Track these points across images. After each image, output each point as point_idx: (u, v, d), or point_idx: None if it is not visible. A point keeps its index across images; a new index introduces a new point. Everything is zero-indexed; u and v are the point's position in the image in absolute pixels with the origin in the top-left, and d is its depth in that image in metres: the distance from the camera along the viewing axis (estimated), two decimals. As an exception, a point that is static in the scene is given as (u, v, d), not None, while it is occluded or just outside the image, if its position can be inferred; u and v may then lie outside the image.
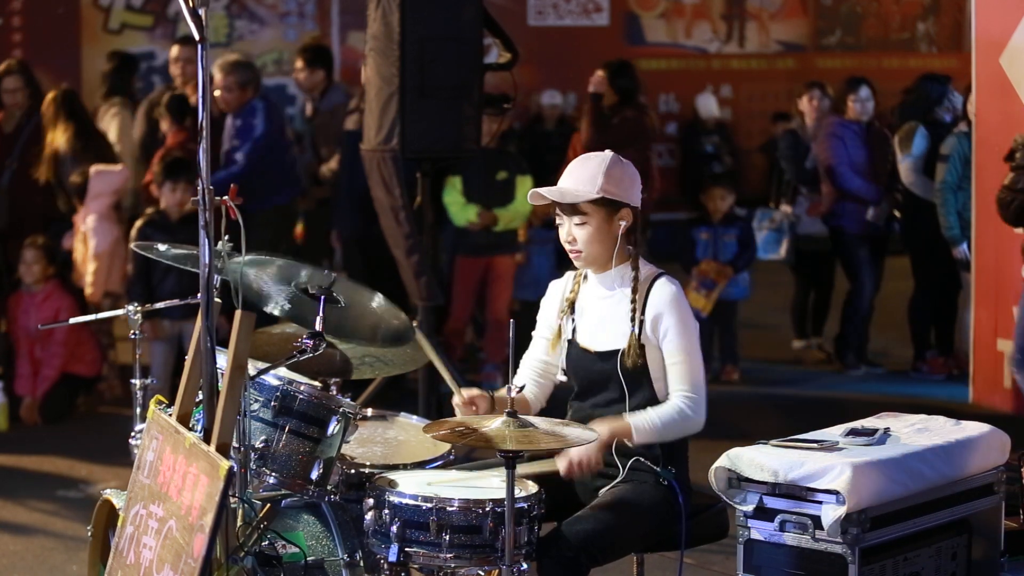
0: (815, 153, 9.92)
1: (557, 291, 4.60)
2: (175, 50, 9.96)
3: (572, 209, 4.39)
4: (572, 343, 4.50)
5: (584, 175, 4.38)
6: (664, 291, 4.37)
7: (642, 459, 4.36)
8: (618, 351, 4.38)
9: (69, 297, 8.84)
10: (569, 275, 4.61)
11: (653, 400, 4.38)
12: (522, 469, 4.33)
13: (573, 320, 4.51)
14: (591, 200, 4.36)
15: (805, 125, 10.31)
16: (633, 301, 4.37)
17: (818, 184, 9.91)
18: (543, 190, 4.41)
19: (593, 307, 4.48)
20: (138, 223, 8.66)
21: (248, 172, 8.90)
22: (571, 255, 4.45)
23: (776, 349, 10.27)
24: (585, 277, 4.54)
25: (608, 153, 4.44)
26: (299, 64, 10.21)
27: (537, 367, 4.61)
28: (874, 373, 9.80)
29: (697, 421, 4.36)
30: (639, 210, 4.45)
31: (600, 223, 4.38)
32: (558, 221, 4.46)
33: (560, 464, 4.33)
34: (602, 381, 4.43)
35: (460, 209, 9.28)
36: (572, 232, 4.41)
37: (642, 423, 4.31)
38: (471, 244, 9.42)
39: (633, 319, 4.36)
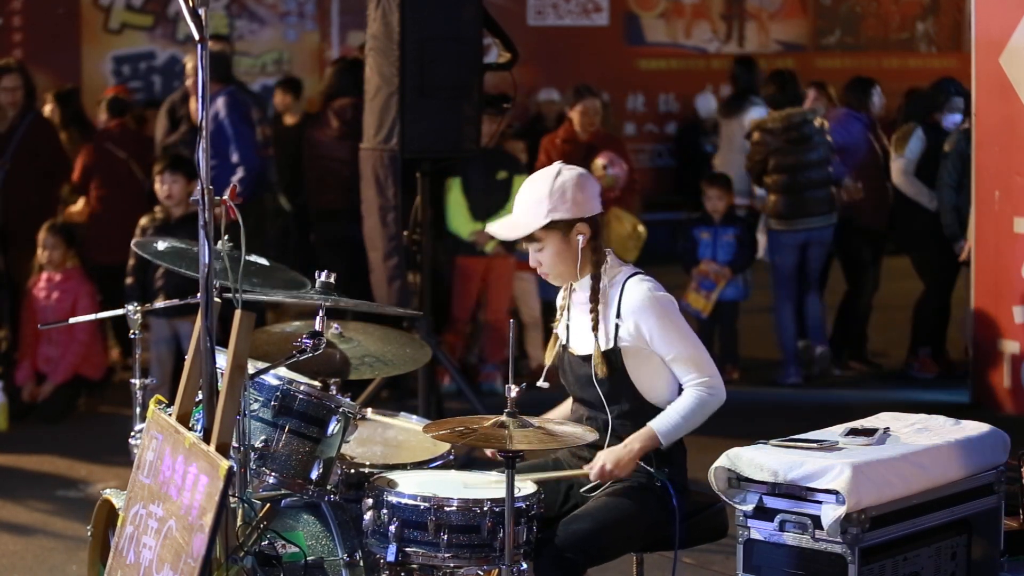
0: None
1: (559, 298, 4.63)
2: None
3: (528, 238, 4.38)
4: (564, 348, 4.51)
5: (531, 200, 4.36)
6: (636, 292, 4.34)
7: (636, 460, 4.36)
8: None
9: (88, 285, 8.85)
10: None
11: (639, 403, 4.36)
12: (545, 476, 4.38)
13: (568, 327, 4.51)
14: (542, 227, 4.35)
15: None
16: (593, 310, 4.36)
17: None
18: (493, 229, 4.45)
19: (577, 312, 4.49)
20: (142, 222, 8.65)
21: None
22: (542, 276, 4.46)
23: (776, 349, 10.26)
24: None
25: (553, 169, 4.39)
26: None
27: None
28: (873, 373, 9.79)
29: (718, 400, 4.34)
30: (598, 216, 4.41)
31: (557, 245, 4.37)
32: (523, 245, 4.47)
33: (592, 469, 4.30)
34: (587, 384, 4.42)
35: (460, 218, 9.25)
36: (535, 257, 4.42)
37: (664, 426, 4.29)
38: (471, 245, 9.41)
39: (595, 328, 4.35)
